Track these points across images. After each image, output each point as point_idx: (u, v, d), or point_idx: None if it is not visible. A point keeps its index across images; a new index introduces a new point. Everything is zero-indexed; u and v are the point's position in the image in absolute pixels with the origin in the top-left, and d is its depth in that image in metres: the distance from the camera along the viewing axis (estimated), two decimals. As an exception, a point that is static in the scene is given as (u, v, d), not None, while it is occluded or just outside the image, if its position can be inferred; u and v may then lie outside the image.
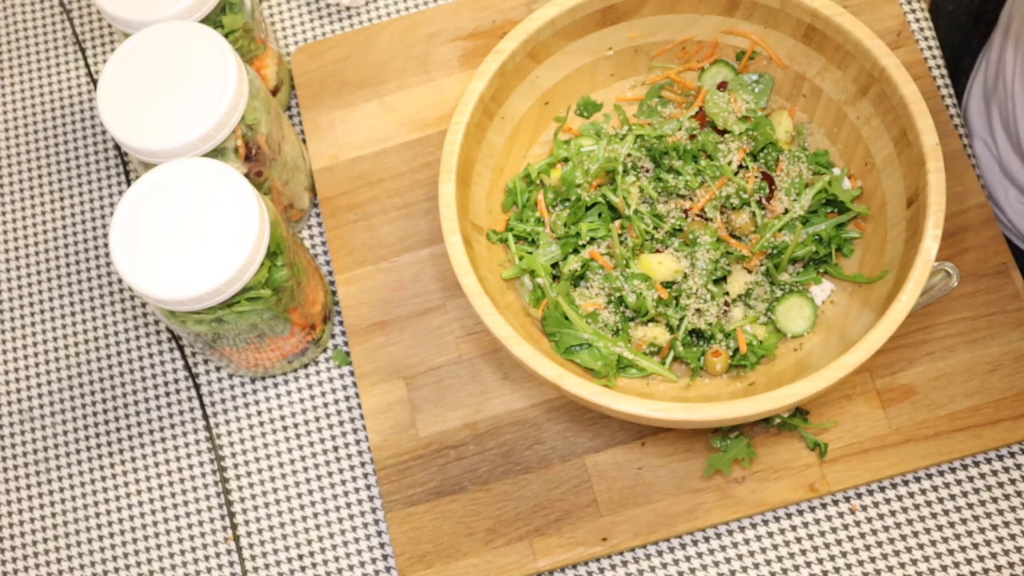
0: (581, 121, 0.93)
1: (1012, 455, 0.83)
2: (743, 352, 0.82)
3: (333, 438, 0.89)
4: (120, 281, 0.95)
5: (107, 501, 0.88)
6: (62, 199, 0.99)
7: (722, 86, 0.90)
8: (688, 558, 0.83)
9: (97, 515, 0.88)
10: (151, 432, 0.90)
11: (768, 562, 0.82)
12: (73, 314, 0.95)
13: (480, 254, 0.82)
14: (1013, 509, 0.82)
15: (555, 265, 0.86)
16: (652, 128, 0.89)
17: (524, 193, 0.88)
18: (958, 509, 0.82)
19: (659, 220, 0.85)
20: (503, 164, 0.88)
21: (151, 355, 0.93)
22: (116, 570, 0.86)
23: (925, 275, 0.73)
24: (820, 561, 0.81)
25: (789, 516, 0.83)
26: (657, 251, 0.84)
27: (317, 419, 0.89)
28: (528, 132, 0.90)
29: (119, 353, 0.93)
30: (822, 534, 0.82)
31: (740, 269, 0.84)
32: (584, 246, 0.85)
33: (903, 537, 0.81)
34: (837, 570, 0.81)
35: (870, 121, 0.83)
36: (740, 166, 0.86)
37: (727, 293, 0.84)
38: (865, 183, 0.85)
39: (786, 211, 0.85)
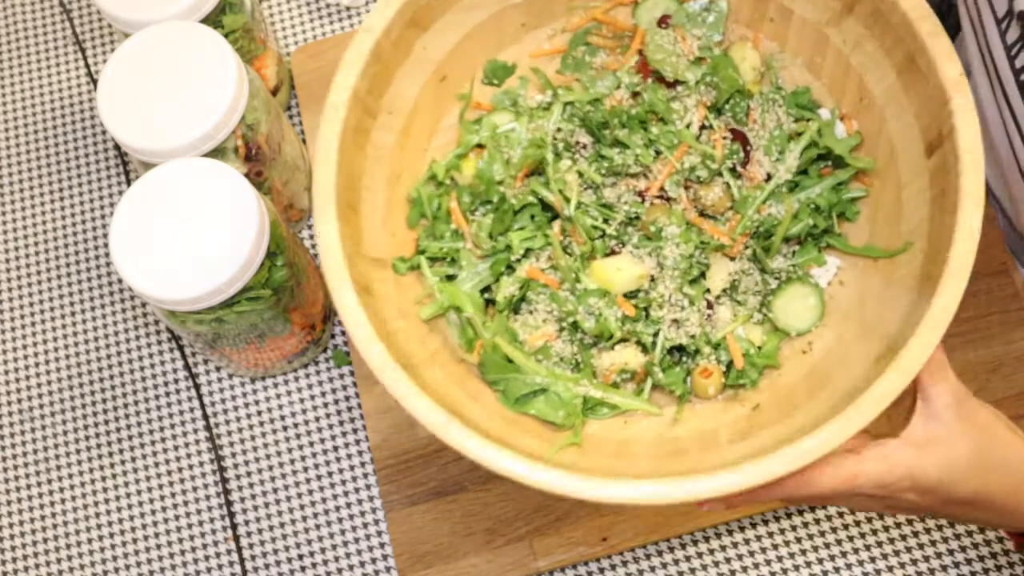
0: (492, 91, 0.74)
1: (1012, 455, 0.83)
2: (739, 368, 0.66)
3: (333, 438, 0.89)
4: (120, 281, 0.95)
5: (107, 501, 0.88)
6: (62, 199, 0.99)
7: (663, 22, 0.71)
8: (688, 558, 0.83)
9: (97, 515, 0.88)
10: (151, 432, 0.90)
11: (768, 562, 0.82)
12: (73, 314, 0.95)
13: (386, 298, 0.65)
14: (1013, 509, 0.82)
15: (488, 287, 0.69)
16: (583, 89, 0.71)
17: (433, 200, 0.70)
18: (958, 509, 0.82)
19: (609, 210, 0.68)
20: (399, 169, 0.69)
21: (151, 355, 0.93)
22: (116, 570, 0.86)
23: (971, 252, 0.57)
24: (820, 561, 0.81)
25: (789, 516, 0.83)
26: (613, 252, 0.67)
27: (317, 419, 0.89)
28: (425, 120, 0.71)
29: (119, 353, 0.93)
30: (822, 534, 0.82)
31: (720, 257, 0.68)
32: (519, 261, 0.68)
33: (903, 537, 0.81)
34: (837, 570, 0.81)
35: (861, 45, 0.66)
36: (702, 126, 0.69)
37: (708, 291, 0.67)
38: (863, 125, 0.68)
39: (768, 177, 0.68)
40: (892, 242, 0.65)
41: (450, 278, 0.69)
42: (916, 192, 0.63)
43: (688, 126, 0.68)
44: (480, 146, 0.71)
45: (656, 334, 0.66)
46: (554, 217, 0.69)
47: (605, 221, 0.68)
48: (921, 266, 0.61)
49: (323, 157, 0.62)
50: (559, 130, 0.69)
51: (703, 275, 0.68)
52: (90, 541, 0.87)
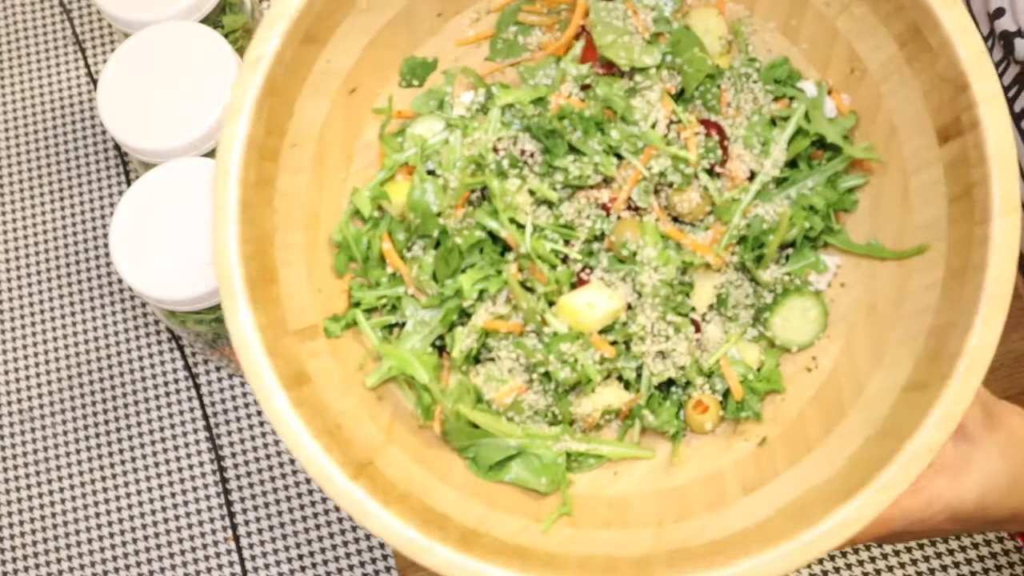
0: (413, 94, 0.64)
1: (1012, 455, 0.83)
2: (739, 399, 0.58)
3: (333, 438, 0.89)
4: (120, 281, 0.95)
5: (107, 501, 0.88)
6: (62, 199, 0.99)
7: None
8: (688, 558, 0.83)
9: (97, 515, 0.88)
10: (151, 432, 0.90)
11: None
12: (73, 314, 0.95)
13: (325, 377, 0.56)
14: (1013, 509, 0.82)
15: (440, 335, 0.60)
16: (521, 79, 0.62)
17: (360, 240, 0.59)
18: (958, 509, 0.82)
19: (569, 230, 0.58)
20: (316, 208, 0.59)
21: (151, 355, 0.93)
22: (116, 570, 0.86)
23: (1010, 279, 0.48)
24: (820, 562, 0.81)
25: (789, 516, 0.83)
26: (581, 281, 0.58)
27: (317, 419, 0.89)
28: (339, 143, 0.61)
29: (119, 353, 0.93)
30: (822, 534, 0.82)
31: (704, 270, 0.60)
32: (473, 305, 0.58)
33: (903, 537, 0.82)
34: (837, 570, 0.81)
35: (849, 9, 0.56)
36: (670, 120, 0.59)
37: (693, 308, 0.59)
38: (856, 101, 0.59)
39: (752, 174, 0.59)
40: (901, 239, 0.56)
41: (393, 327, 0.59)
42: (928, 184, 0.54)
43: (653, 125, 0.58)
44: (409, 166, 0.61)
45: (639, 369, 0.58)
46: (507, 247, 0.59)
47: (566, 243, 0.58)
48: (943, 280, 0.52)
49: (221, 235, 0.51)
50: (500, 139, 0.59)
51: (687, 294, 0.59)
52: (90, 541, 0.87)
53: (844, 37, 0.57)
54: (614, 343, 0.57)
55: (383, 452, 0.54)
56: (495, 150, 0.59)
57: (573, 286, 0.58)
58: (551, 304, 0.57)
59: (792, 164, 0.60)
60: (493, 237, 0.58)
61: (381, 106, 0.62)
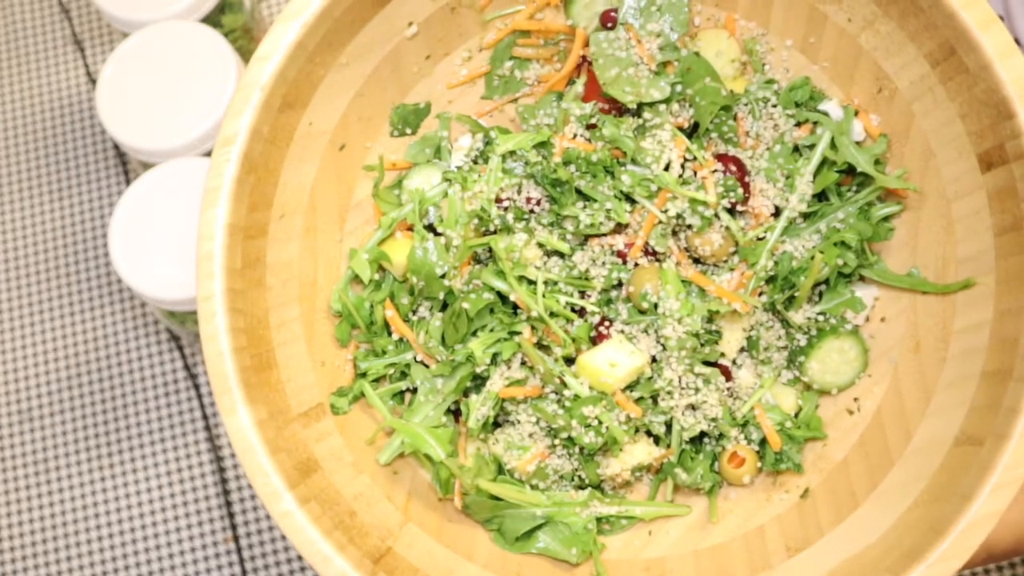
0: (406, 142, 0.60)
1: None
2: (777, 450, 0.54)
3: (333, 438, 0.89)
4: (120, 281, 0.95)
5: (107, 501, 0.88)
6: (62, 199, 0.99)
7: (608, 19, 0.55)
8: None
9: (97, 515, 0.88)
10: (151, 432, 0.90)
11: (769, 562, 0.82)
12: (73, 314, 0.94)
13: (335, 462, 0.52)
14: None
15: (455, 401, 0.57)
16: (524, 124, 0.58)
17: (362, 306, 0.56)
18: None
19: (584, 282, 0.54)
20: (312, 277, 0.56)
21: (151, 355, 0.93)
22: (116, 570, 0.86)
23: None
24: None
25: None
26: (600, 336, 0.54)
27: (317, 419, 0.89)
28: (331, 205, 0.57)
29: (119, 353, 0.93)
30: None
31: (731, 315, 0.56)
32: (487, 369, 0.54)
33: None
34: None
35: (874, 25, 0.52)
36: (685, 158, 0.55)
37: (722, 355, 0.55)
38: (885, 120, 0.55)
39: (777, 210, 0.55)
40: (944, 271, 0.52)
41: (403, 394, 0.56)
42: (971, 212, 0.50)
43: (667, 167, 0.54)
44: (408, 226, 0.57)
45: (668, 425, 0.54)
46: (516, 306, 0.55)
47: (582, 295, 0.54)
48: (993, 321, 0.48)
49: (209, 328, 0.48)
50: (502, 189, 0.55)
51: (715, 343, 0.55)
52: (90, 542, 0.87)
53: (869, 55, 0.53)
54: (640, 399, 0.53)
55: (402, 534, 0.51)
56: (498, 200, 0.55)
57: (593, 341, 0.54)
58: (570, 363, 0.53)
59: (820, 194, 0.55)
60: (503, 297, 0.54)
61: (372, 163, 0.59)
